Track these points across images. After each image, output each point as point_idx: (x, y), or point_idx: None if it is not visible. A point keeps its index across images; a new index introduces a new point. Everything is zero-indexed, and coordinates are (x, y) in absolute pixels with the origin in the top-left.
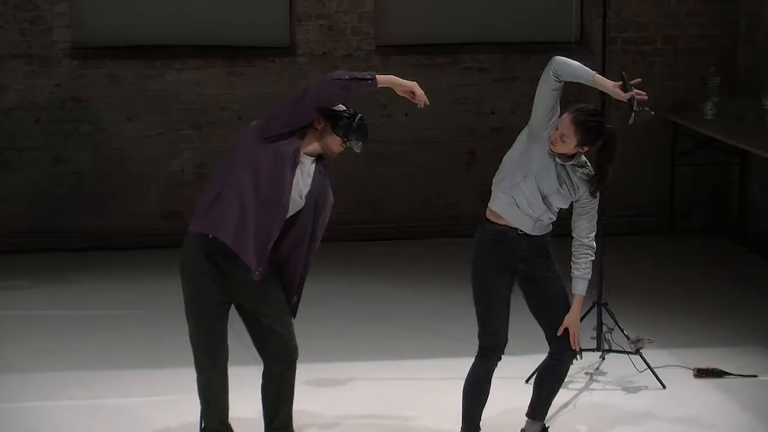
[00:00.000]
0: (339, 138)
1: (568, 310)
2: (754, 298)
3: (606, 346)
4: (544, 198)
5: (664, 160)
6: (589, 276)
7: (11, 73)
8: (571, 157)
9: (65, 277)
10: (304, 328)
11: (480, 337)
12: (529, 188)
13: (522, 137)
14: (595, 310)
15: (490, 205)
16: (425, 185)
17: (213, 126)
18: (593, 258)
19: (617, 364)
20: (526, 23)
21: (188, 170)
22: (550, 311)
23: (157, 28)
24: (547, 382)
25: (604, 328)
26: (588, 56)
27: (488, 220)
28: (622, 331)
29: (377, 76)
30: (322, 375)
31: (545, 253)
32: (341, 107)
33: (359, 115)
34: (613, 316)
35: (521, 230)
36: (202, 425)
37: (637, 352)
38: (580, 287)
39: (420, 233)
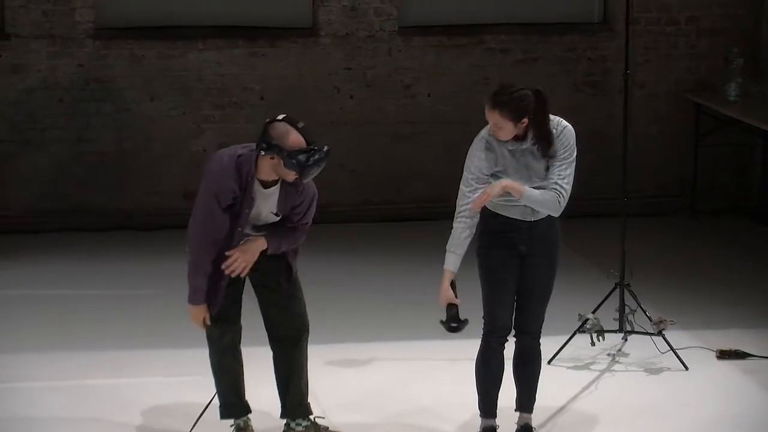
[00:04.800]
0: (292, 171)
1: (542, 301)
2: None
3: (628, 328)
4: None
5: (686, 141)
6: (541, 198)
7: (34, 53)
8: (524, 137)
9: (86, 256)
10: (325, 309)
11: (483, 320)
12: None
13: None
14: (617, 291)
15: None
16: (447, 166)
17: (235, 106)
18: (559, 197)
19: (639, 346)
20: (548, 4)
21: (210, 150)
22: (523, 300)
23: (180, 8)
24: (518, 370)
25: (627, 310)
26: (611, 37)
27: (487, 210)
28: (645, 312)
29: (193, 304)
30: (342, 355)
31: (549, 241)
32: (301, 142)
33: (316, 153)
34: (635, 298)
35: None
36: (217, 400)
37: (660, 333)
38: (530, 191)
39: (442, 214)
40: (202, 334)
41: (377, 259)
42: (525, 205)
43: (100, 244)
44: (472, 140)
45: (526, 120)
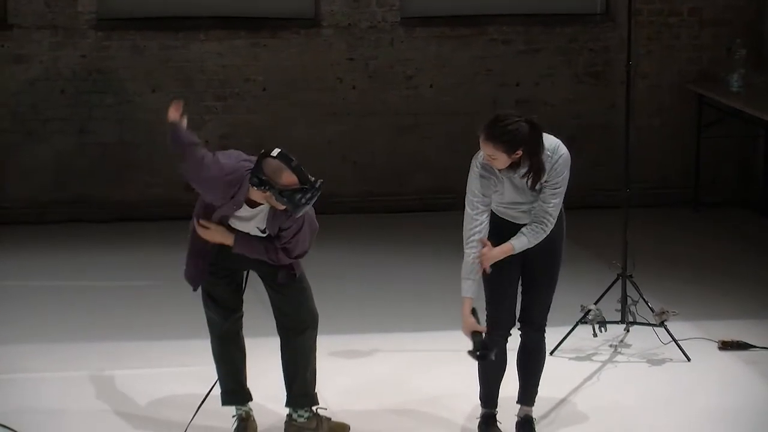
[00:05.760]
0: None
1: (545, 294)
2: None
3: (630, 319)
4: (520, 209)
5: (688, 132)
6: (531, 240)
7: (36, 44)
8: (518, 164)
9: (88, 248)
10: (327, 300)
11: (486, 313)
12: (501, 210)
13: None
14: (619, 282)
15: None
16: (450, 157)
17: (237, 97)
18: (545, 227)
19: (642, 337)
20: None
21: (212, 141)
22: (527, 292)
23: (181, 0)
24: (521, 361)
25: (629, 301)
26: (613, 28)
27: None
28: (647, 303)
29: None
30: (345, 347)
31: (551, 232)
32: (293, 181)
33: (308, 191)
34: (637, 289)
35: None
36: (218, 388)
37: (662, 324)
38: (518, 242)
39: (444, 205)
40: (203, 324)
41: (380, 250)
42: (527, 212)
43: (101, 235)
44: (474, 132)
45: (520, 151)
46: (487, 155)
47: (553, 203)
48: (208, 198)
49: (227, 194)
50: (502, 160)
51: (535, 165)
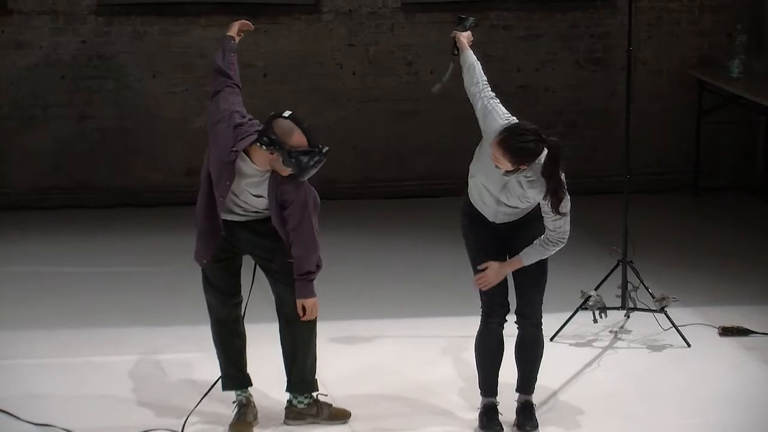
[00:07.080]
0: (289, 168)
1: (536, 286)
2: None
3: (631, 305)
4: (493, 195)
5: (689, 117)
6: (542, 253)
7: (37, 29)
8: (515, 171)
9: (89, 234)
10: (328, 286)
11: (480, 301)
12: (479, 183)
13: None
14: (619, 268)
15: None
16: (450, 143)
17: None
18: (552, 247)
19: (642, 323)
20: None
21: None
22: (517, 284)
23: None
24: (518, 354)
25: (629, 287)
26: (614, 14)
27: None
28: (647, 289)
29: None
30: (345, 332)
31: (530, 223)
32: (303, 142)
33: (317, 154)
34: (637, 275)
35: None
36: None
37: (662, 310)
38: (527, 256)
39: (445, 191)
40: (205, 310)
41: (380, 236)
42: (496, 210)
43: (102, 221)
44: (475, 118)
45: (525, 166)
46: (494, 155)
47: (562, 222)
48: (213, 144)
49: (230, 143)
50: (505, 165)
51: (552, 185)
